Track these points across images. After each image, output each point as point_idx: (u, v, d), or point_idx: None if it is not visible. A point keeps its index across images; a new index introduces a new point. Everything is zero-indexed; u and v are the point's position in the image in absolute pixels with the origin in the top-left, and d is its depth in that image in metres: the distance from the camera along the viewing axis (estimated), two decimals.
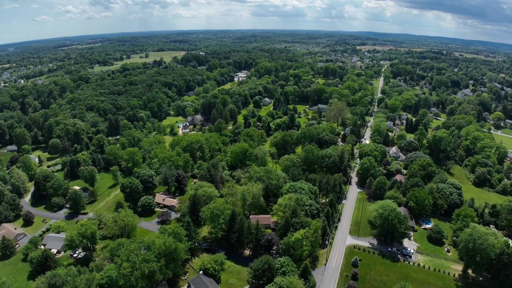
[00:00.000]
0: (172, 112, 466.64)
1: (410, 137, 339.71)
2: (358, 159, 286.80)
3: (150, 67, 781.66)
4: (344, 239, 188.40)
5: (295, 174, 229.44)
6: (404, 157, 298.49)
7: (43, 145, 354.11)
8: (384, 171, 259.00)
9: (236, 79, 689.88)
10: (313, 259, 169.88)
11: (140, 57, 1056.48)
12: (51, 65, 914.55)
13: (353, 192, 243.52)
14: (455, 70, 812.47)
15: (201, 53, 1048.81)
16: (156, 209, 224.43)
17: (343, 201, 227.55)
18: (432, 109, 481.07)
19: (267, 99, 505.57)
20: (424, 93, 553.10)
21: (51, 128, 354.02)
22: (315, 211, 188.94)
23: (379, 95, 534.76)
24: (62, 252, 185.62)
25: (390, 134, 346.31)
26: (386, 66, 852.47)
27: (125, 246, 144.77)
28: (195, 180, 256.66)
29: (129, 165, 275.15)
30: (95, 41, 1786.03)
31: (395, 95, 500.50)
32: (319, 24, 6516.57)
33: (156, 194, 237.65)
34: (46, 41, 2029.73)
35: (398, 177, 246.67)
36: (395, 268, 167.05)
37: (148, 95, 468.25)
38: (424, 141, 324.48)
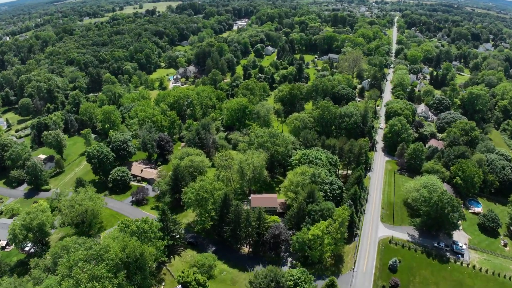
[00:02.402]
0: (162, 64, 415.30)
1: (437, 93, 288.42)
2: (381, 118, 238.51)
3: (142, 16, 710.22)
4: (375, 228, 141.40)
5: (308, 139, 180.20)
6: (434, 117, 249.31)
7: (15, 106, 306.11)
8: (416, 135, 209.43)
9: (235, 27, 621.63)
10: (335, 259, 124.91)
11: (134, 8, 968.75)
12: (39, 20, 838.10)
13: (379, 161, 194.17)
14: (470, 23, 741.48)
15: (197, 1, 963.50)
16: (132, 183, 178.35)
17: (369, 173, 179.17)
18: (454, 63, 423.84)
19: (270, 48, 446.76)
20: (443, 46, 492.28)
21: (23, 86, 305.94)
22: (338, 191, 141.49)
23: (395, 45, 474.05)
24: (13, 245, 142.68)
25: (414, 89, 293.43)
26: (397, 17, 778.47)
27: (68, 253, 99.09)
28: (183, 144, 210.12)
29: (106, 126, 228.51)
30: None
31: (414, 46, 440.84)
32: None
33: (133, 163, 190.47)
34: None
35: (433, 143, 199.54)
36: (445, 272, 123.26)
37: (135, 45, 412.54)
38: (456, 100, 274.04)
